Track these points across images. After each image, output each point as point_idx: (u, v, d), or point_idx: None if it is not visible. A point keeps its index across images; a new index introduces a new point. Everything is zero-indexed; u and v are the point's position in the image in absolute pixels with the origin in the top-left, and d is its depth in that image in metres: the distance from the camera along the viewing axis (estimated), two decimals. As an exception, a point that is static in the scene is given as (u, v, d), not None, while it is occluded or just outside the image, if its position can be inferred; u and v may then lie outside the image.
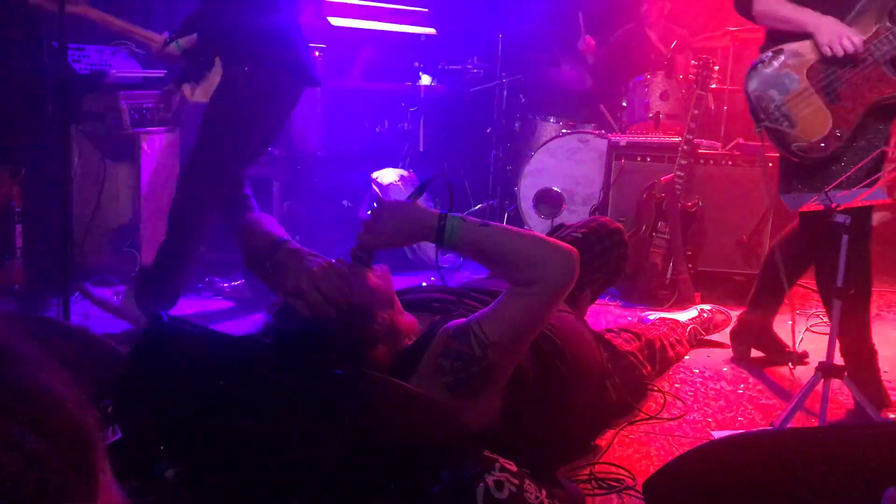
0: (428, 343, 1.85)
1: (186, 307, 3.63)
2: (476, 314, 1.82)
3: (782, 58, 2.54)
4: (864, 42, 2.46)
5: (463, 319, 1.82)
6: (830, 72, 2.52)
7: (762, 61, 2.56)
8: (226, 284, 3.91)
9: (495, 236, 1.82)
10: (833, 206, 2.07)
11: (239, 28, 3.15)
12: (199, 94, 3.32)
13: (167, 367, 1.92)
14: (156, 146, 4.01)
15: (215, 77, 3.24)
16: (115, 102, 3.81)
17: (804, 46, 2.55)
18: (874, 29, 2.50)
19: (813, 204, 2.08)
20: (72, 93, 3.68)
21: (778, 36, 2.64)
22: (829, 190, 2.09)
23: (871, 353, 2.74)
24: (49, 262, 3.49)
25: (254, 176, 4.09)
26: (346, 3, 4.89)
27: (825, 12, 2.54)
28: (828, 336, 2.28)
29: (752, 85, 2.56)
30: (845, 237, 2.09)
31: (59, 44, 3.04)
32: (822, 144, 2.46)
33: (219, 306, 3.75)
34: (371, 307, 1.83)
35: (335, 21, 4.75)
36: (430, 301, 2.13)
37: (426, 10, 5.26)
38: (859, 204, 2.13)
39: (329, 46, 4.59)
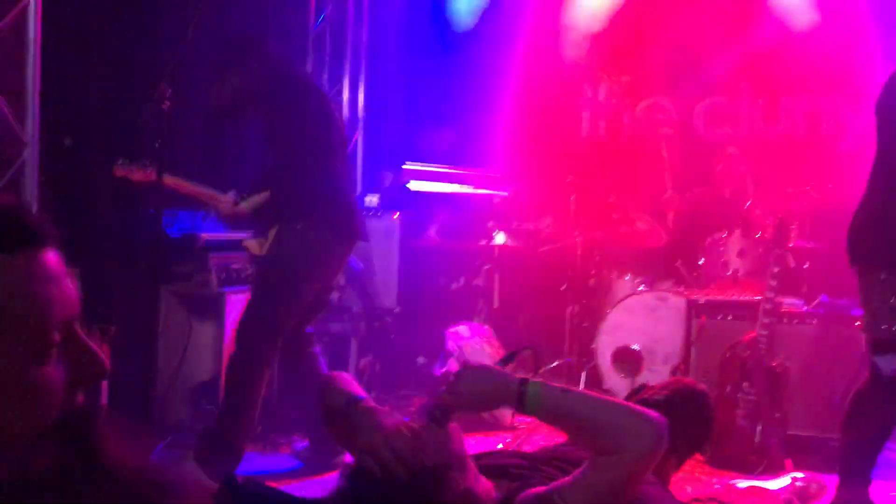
0: (505, 512, 1.78)
1: (252, 465, 3.60)
2: (556, 483, 1.75)
3: None
4: None
5: (543, 488, 1.75)
6: None
7: None
8: (291, 441, 3.88)
9: (577, 403, 1.78)
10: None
11: (300, 188, 3.31)
12: (248, 244, 3.49)
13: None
14: (240, 304, 4.13)
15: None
16: (203, 263, 3.98)
17: None
18: None
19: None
20: (163, 255, 3.88)
21: None
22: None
23: None
24: (131, 419, 3.56)
25: (332, 333, 4.17)
26: (423, 170, 5.10)
27: None
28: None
29: None
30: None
31: (155, 209, 3.24)
32: None
33: (283, 465, 3.71)
34: (445, 470, 1.78)
35: (414, 185, 4.94)
36: (506, 466, 2.06)
37: (499, 175, 5.44)
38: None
39: (407, 209, 4.75)
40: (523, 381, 1.79)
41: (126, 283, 3.86)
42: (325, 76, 5.61)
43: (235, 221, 3.52)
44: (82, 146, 3.69)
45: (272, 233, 3.40)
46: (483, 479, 1.91)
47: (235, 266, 4.09)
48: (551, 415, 1.80)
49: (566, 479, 1.76)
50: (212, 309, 4.04)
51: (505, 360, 1.97)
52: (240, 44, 3.48)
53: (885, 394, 2.77)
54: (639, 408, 1.77)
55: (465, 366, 1.87)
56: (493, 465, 2.07)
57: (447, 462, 1.79)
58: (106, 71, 3.81)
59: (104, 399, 3.61)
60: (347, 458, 3.17)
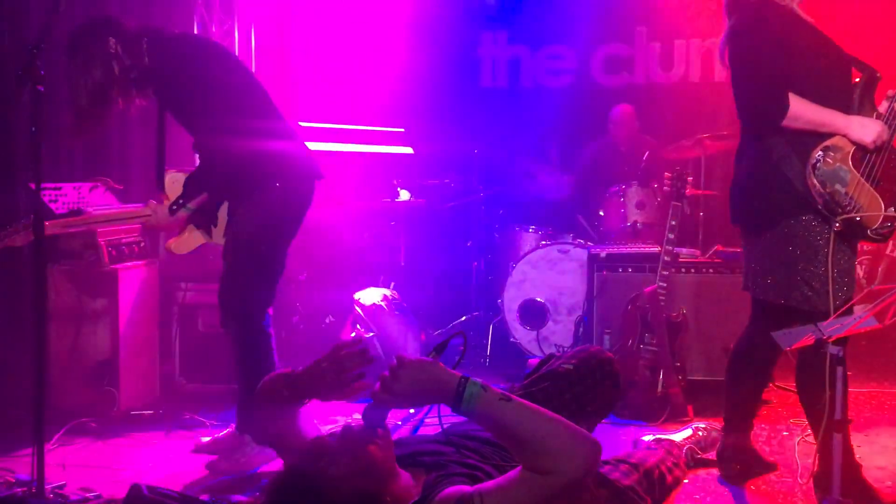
0: (424, 509, 1.77)
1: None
2: (480, 486, 1.73)
3: (831, 153, 2.63)
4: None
5: (465, 488, 1.73)
6: (867, 159, 2.63)
7: (818, 160, 2.62)
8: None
9: (515, 413, 1.72)
10: (824, 337, 2.05)
11: (249, 162, 3.17)
12: (176, 245, 3.33)
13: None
14: (134, 280, 3.96)
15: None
16: (92, 239, 3.77)
17: (839, 140, 2.65)
18: (874, 115, 2.69)
19: (805, 339, 2.06)
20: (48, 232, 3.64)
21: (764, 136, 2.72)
22: (821, 324, 2.08)
23: (858, 468, 2.73)
24: (23, 408, 3.38)
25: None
26: (323, 129, 4.95)
27: (834, 108, 2.67)
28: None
29: (820, 184, 2.60)
30: (840, 369, 2.07)
31: (35, 184, 3.01)
32: (889, 224, 2.56)
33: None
34: (381, 488, 1.74)
35: (313, 146, 4.78)
36: (422, 454, 2.05)
37: (402, 130, 5.34)
38: (851, 333, 2.11)
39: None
40: (462, 381, 1.74)
41: (10, 265, 3.62)
42: (214, 29, 5.35)
43: (172, 228, 3.33)
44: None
45: (223, 214, 3.29)
46: (404, 474, 1.89)
47: (126, 240, 3.90)
48: (486, 419, 1.75)
49: (490, 484, 1.75)
50: (104, 286, 3.85)
51: (437, 350, 1.90)
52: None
53: (764, 349, 2.90)
54: (575, 429, 1.73)
55: (402, 361, 1.77)
56: (409, 455, 2.05)
57: (379, 476, 1.74)
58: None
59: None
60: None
